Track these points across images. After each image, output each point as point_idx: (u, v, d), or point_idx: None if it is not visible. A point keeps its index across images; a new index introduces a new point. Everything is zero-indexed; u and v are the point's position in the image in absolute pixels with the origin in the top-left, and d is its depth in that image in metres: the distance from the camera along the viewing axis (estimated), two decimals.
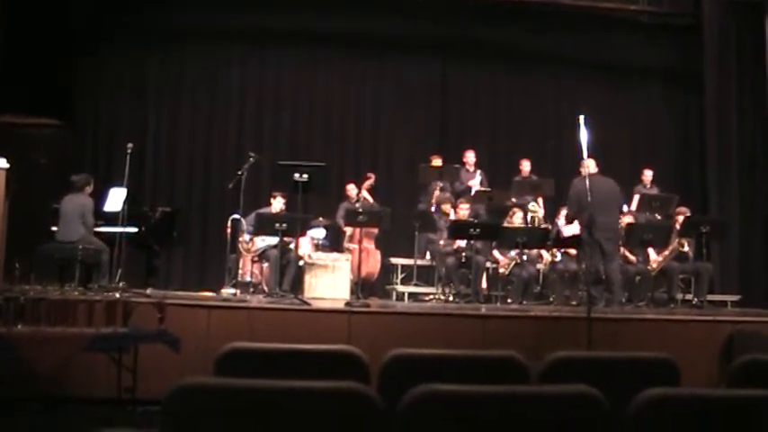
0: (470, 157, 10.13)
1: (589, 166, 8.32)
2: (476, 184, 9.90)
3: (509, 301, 8.77)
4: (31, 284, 5.86)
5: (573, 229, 8.72)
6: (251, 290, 8.48)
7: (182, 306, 6.28)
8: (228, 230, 8.61)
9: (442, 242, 9.06)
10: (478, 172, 10.05)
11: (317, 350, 2.78)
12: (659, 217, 9.33)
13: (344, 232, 9.60)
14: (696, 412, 2.05)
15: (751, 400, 2.10)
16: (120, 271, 7.61)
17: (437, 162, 9.92)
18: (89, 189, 8.09)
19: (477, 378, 2.14)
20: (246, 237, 8.68)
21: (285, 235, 7.96)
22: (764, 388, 2.12)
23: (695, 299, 8.89)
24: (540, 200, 9.85)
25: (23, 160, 8.52)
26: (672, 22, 11.69)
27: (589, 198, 7.20)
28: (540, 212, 9.69)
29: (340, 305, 7.12)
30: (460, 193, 9.81)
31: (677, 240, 8.85)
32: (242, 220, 8.55)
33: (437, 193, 9.74)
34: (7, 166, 7.31)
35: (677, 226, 8.89)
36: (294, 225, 7.83)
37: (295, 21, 10.93)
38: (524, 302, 8.58)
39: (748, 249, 10.84)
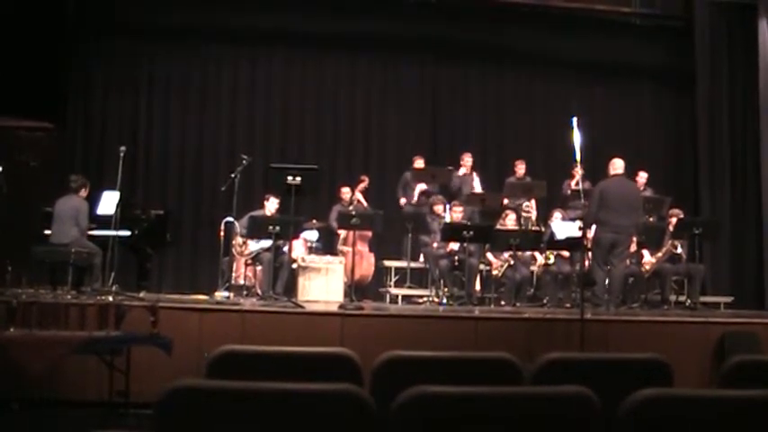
0: (467, 160, 10.15)
1: (616, 166, 8.37)
2: (476, 186, 9.92)
3: (502, 303, 8.77)
4: (23, 287, 5.84)
5: (566, 231, 8.73)
6: (244, 293, 8.46)
7: (174, 309, 6.26)
8: (222, 233, 8.59)
9: (435, 245, 9.07)
10: (474, 174, 10.06)
11: (311, 352, 2.78)
12: (652, 219, 9.35)
13: (338, 235, 9.60)
14: (688, 412, 2.05)
15: (742, 401, 2.11)
16: (112, 274, 7.59)
17: (419, 164, 9.94)
18: (84, 192, 8.07)
19: (470, 380, 2.14)
20: (239, 239, 8.66)
21: (278, 238, 7.94)
22: (755, 388, 2.12)
23: (688, 300, 8.90)
24: (533, 202, 9.85)
25: (14, 163, 8.50)
26: (664, 24, 11.73)
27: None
28: (533, 214, 9.69)
29: (333, 308, 7.11)
30: (455, 195, 9.82)
31: (670, 242, 8.87)
32: (235, 222, 8.53)
33: (419, 191, 9.75)
34: None
35: (670, 228, 8.91)
36: (287, 228, 7.80)
37: (286, 21, 10.92)
38: (517, 304, 8.57)
39: (740, 251, 10.87)
